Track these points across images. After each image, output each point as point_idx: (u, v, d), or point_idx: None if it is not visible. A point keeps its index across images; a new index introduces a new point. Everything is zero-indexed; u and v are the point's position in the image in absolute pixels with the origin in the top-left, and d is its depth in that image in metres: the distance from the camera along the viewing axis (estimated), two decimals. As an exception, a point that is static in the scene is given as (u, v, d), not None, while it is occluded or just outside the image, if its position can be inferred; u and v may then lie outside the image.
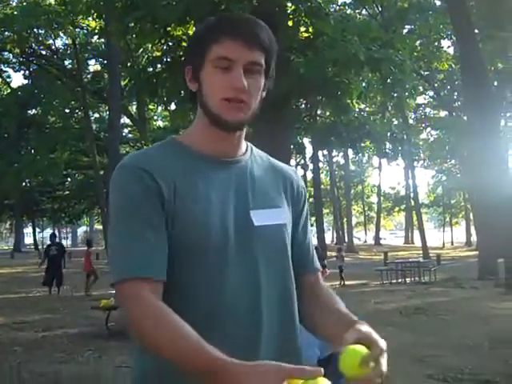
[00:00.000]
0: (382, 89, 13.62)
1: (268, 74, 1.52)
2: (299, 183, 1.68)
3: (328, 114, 19.66)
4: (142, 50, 18.45)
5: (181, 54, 13.17)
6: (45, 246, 20.23)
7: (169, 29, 12.76)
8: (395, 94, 13.26)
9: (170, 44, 13.45)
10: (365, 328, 1.32)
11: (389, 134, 18.67)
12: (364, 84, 13.39)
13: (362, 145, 20.30)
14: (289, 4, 13.00)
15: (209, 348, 1.23)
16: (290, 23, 12.61)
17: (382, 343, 1.29)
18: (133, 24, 12.22)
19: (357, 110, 19.62)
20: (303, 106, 17.02)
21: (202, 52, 1.46)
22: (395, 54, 12.24)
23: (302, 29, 13.47)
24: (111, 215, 1.45)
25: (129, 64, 30.07)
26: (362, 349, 1.26)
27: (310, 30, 13.26)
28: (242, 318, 1.43)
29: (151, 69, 14.76)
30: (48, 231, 75.99)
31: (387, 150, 20.12)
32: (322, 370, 1.17)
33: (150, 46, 15.40)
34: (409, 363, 7.08)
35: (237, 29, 1.44)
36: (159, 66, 14.21)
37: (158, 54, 14.73)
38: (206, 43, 1.45)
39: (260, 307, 1.46)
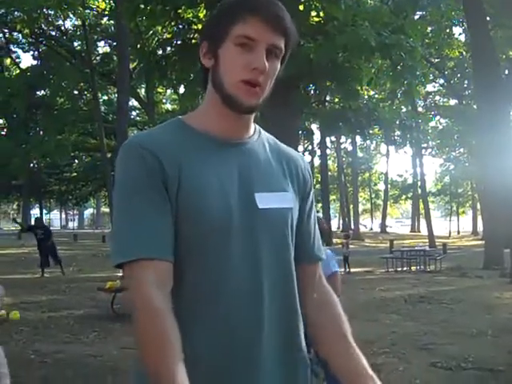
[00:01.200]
0: (391, 75, 13.51)
1: (284, 59, 1.50)
2: (306, 169, 1.66)
3: (337, 99, 19.57)
4: (151, 32, 18.29)
5: (191, 36, 13.10)
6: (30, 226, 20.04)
7: (179, 11, 12.67)
8: (405, 81, 13.13)
9: (181, 26, 13.36)
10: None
11: (398, 121, 18.59)
12: (374, 70, 13.30)
13: (371, 132, 20.20)
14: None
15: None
16: (301, 7, 12.50)
17: None
18: (143, 5, 12.13)
19: (366, 96, 19.55)
20: (312, 91, 16.92)
21: (224, 28, 1.43)
22: (406, 40, 12.14)
23: (313, 13, 13.37)
24: (114, 194, 1.44)
25: (138, 46, 29.93)
26: None
27: (321, 14, 13.15)
28: (244, 298, 1.43)
29: (161, 51, 14.70)
30: (55, 213, 76.49)
31: (396, 137, 20.04)
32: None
33: (159, 28, 15.34)
34: (413, 351, 7.10)
35: (264, 10, 1.41)
36: (169, 48, 14.13)
37: (168, 36, 14.65)
38: (229, 20, 1.43)
39: (261, 290, 1.45)
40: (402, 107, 32.78)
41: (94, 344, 7.68)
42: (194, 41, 12.70)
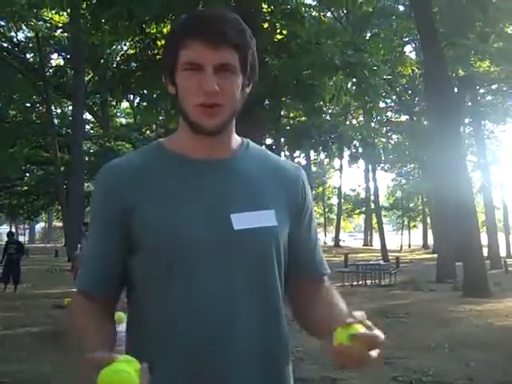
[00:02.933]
0: (354, 93, 13.78)
1: (246, 70, 1.45)
2: (300, 180, 1.60)
3: (300, 117, 19.81)
4: (113, 47, 18.22)
5: (155, 52, 13.06)
6: (3, 243, 19.86)
7: (144, 26, 12.66)
8: (368, 99, 13.42)
9: (145, 42, 13.33)
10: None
11: (359, 137, 18.94)
12: (335, 87, 13.52)
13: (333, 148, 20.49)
14: (265, 6, 13.04)
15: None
16: (266, 25, 12.66)
17: (382, 337, 1.30)
18: (107, 20, 12.06)
19: (329, 112, 19.81)
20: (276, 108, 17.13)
21: (172, 57, 1.43)
22: (369, 58, 12.39)
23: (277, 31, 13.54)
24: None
25: (102, 61, 29.75)
26: (359, 327, 1.27)
27: (284, 32, 13.31)
28: (212, 332, 1.38)
29: (124, 66, 14.63)
30: (4, 227, 74.72)
31: (353, 153, 20.37)
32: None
33: (122, 43, 15.27)
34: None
35: (201, 29, 1.38)
36: (133, 64, 14.08)
37: (132, 51, 14.60)
38: (174, 48, 1.42)
39: (235, 321, 1.39)
40: (354, 121, 33.33)
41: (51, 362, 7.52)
42: (158, 56, 12.66)
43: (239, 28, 1.42)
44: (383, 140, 33.33)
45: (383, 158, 30.83)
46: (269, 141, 27.63)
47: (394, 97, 37.50)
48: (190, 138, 1.48)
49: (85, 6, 12.81)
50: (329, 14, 29.57)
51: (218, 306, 1.39)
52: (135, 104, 20.67)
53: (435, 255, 25.54)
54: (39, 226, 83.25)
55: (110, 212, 1.45)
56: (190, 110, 1.42)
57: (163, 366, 1.37)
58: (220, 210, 1.43)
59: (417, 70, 30.06)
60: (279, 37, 13.47)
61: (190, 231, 1.40)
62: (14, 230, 75.43)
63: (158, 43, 12.94)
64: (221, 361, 1.38)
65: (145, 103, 14.54)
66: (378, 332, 1.29)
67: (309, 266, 1.60)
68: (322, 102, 14.23)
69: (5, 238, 18.28)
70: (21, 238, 76.54)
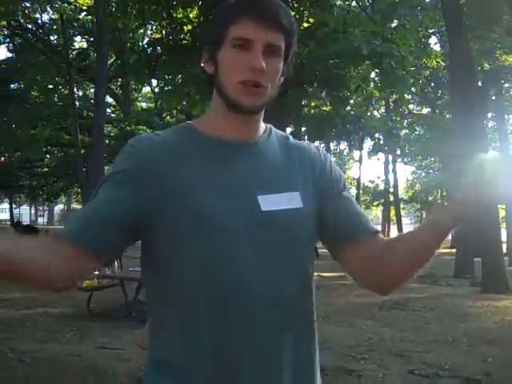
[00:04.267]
0: (381, 84, 13.68)
1: (287, 57, 1.49)
2: (324, 160, 1.62)
3: (316, 104, 19.75)
4: (140, 31, 18.24)
5: (182, 37, 13.04)
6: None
7: (171, 11, 12.64)
8: (394, 90, 13.33)
9: (172, 26, 13.31)
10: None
11: (386, 127, 18.83)
12: (361, 77, 13.44)
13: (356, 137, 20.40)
14: (293, -7, 12.97)
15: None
16: (293, 13, 12.57)
17: None
18: (134, 4, 12.06)
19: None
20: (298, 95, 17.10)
21: (219, 33, 1.43)
22: (397, 49, 12.28)
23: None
24: None
25: (127, 45, 29.82)
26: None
27: (311, 20, 13.23)
28: (253, 305, 1.40)
29: (150, 50, 14.63)
30: (24, 207, 75.54)
31: (376, 144, 20.29)
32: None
33: (148, 27, 15.26)
34: (390, 358, 7.17)
35: (255, 8, 1.40)
36: (159, 48, 14.08)
37: (158, 36, 14.60)
38: (223, 24, 1.43)
39: (278, 294, 1.42)
40: (376, 113, 33.09)
41: (71, 343, 7.60)
42: (184, 41, 12.67)
43: (289, 15, 1.46)
44: (406, 132, 33.14)
45: (406, 150, 30.66)
46: (289, 130, 27.65)
47: (415, 89, 37.28)
48: (223, 118, 1.49)
49: (111, -12, 12.81)
50: (354, 3, 29.39)
51: (261, 280, 1.41)
52: (158, 88, 20.67)
53: (453, 250, 25.34)
54: (58, 208, 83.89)
55: (136, 174, 1.42)
56: (232, 87, 1.43)
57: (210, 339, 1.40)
58: (248, 191, 1.46)
59: (441, 62, 29.79)
60: (306, 25, 13.40)
61: (222, 212, 1.41)
62: (33, 211, 76.33)
63: (185, 28, 12.94)
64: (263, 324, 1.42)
65: (168, 87, 14.52)
66: None
67: (358, 227, 1.58)
68: (347, 92, 14.15)
69: (25, 219, 18.47)
70: (40, 220, 77.42)
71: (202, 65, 1.51)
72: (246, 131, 1.52)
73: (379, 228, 1.74)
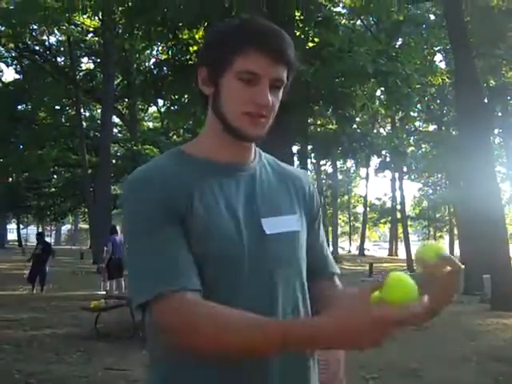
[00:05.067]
0: (387, 102, 13.71)
1: (287, 86, 1.49)
2: (311, 186, 1.66)
3: (322, 123, 19.81)
4: (146, 52, 18.37)
5: (187, 57, 13.12)
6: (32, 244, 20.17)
7: (177, 32, 12.72)
8: (400, 108, 13.36)
9: (178, 47, 13.39)
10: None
11: (392, 145, 18.86)
12: (366, 95, 13.47)
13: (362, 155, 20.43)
14: (298, 14, 13.03)
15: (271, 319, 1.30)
16: (298, 33, 12.65)
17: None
18: (141, 26, 12.15)
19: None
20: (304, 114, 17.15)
21: (224, 60, 1.41)
22: (402, 67, 12.32)
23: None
24: (129, 231, 1.41)
25: (134, 66, 30.05)
26: (443, 247, 1.35)
27: (316, 40, 13.30)
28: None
29: (156, 71, 14.71)
30: (32, 228, 75.70)
31: (382, 161, 20.29)
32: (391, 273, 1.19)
33: (154, 48, 15.38)
34: (400, 377, 7.11)
35: (265, 42, 1.39)
36: (165, 68, 14.14)
37: (164, 56, 14.69)
38: (230, 51, 1.41)
39: (277, 314, 1.45)
40: (382, 130, 33.10)
41: (78, 364, 7.57)
42: (190, 62, 12.75)
43: (292, 47, 1.46)
44: (413, 149, 33.14)
45: (413, 168, 30.68)
46: (295, 148, 27.69)
47: (421, 106, 37.30)
48: (220, 142, 1.50)
49: (118, 11, 12.91)
50: (358, 22, 29.52)
51: (263, 304, 1.42)
52: (164, 108, 20.78)
53: (462, 266, 25.27)
54: (65, 228, 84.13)
55: (172, 222, 1.37)
56: (236, 117, 1.43)
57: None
58: (252, 215, 1.47)
59: (447, 80, 29.85)
60: (311, 44, 13.46)
61: (233, 238, 1.41)
62: (40, 230, 76.45)
63: (191, 49, 13.00)
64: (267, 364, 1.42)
65: (174, 107, 14.58)
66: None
67: (323, 267, 1.66)
68: (353, 111, 14.19)
69: (32, 239, 18.49)
70: (47, 240, 77.56)
71: (200, 84, 1.50)
72: (241, 155, 1.53)
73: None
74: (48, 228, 76.44)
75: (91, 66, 40.81)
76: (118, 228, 15.59)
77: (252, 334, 1.22)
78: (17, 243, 52.88)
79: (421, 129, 39.87)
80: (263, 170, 1.57)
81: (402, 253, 51.71)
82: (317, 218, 1.67)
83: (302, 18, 13.11)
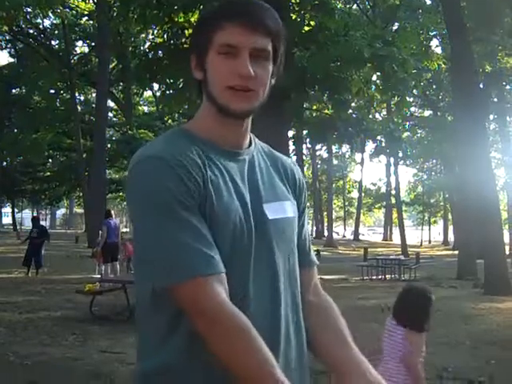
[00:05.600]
0: (383, 87, 13.68)
1: (276, 59, 1.47)
2: (299, 175, 1.68)
3: (318, 108, 19.79)
4: (141, 35, 18.26)
5: (183, 41, 13.06)
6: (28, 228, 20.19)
7: (172, 15, 12.64)
8: (396, 93, 13.32)
9: (173, 30, 13.30)
10: (372, 377, 1.42)
11: (387, 130, 18.85)
12: (362, 80, 13.43)
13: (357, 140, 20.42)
14: (294, -3, 12.99)
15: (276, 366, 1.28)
16: (294, 16, 12.58)
17: None
18: (135, 9, 12.07)
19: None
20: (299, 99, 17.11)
21: (205, 39, 1.42)
22: (399, 52, 12.28)
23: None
24: (143, 210, 1.36)
25: (128, 49, 29.88)
26: None
27: (312, 23, 13.23)
28: (266, 303, 1.44)
29: (152, 55, 14.62)
30: (27, 212, 75.63)
31: (378, 146, 20.30)
32: None
33: (149, 31, 15.28)
34: (393, 360, 7.15)
35: (239, 13, 1.39)
36: (160, 52, 14.05)
37: (160, 40, 14.60)
38: (209, 30, 1.41)
39: (279, 295, 1.47)
40: (377, 115, 33.06)
41: (73, 347, 7.59)
42: (185, 46, 12.68)
43: (275, 17, 1.44)
44: (408, 134, 33.13)
45: (408, 153, 30.71)
46: (291, 133, 27.66)
47: (417, 91, 37.28)
48: (218, 124, 1.48)
49: (114, -7, 12.83)
50: (354, 6, 29.41)
51: (268, 288, 1.46)
52: (159, 92, 20.68)
53: (456, 252, 25.36)
54: (60, 212, 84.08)
55: (195, 205, 1.36)
56: (220, 93, 1.42)
57: None
58: (256, 200, 1.47)
59: (443, 65, 29.81)
60: (307, 28, 13.39)
61: (241, 220, 1.42)
62: (35, 214, 76.41)
63: (186, 32, 12.93)
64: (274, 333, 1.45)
65: (170, 91, 14.51)
66: None
67: (305, 255, 1.66)
68: (349, 95, 14.15)
69: (27, 223, 18.45)
70: (42, 224, 77.54)
71: (192, 71, 1.50)
72: (237, 137, 1.51)
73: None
74: (43, 212, 76.31)
75: (86, 49, 40.67)
76: (112, 212, 15.60)
77: (257, 370, 1.28)
78: (11, 227, 52.82)
79: (416, 114, 39.89)
80: (259, 156, 1.57)
81: (396, 238, 51.93)
82: (304, 208, 1.68)
83: (297, 1, 13.05)
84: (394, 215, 51.92)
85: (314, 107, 21.58)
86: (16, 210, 54.98)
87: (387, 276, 19.29)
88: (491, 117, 32.91)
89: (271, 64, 1.45)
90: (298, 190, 1.64)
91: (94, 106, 34.08)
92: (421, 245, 55.01)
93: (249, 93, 1.41)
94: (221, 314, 1.29)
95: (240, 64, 1.38)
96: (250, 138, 1.58)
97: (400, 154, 31.26)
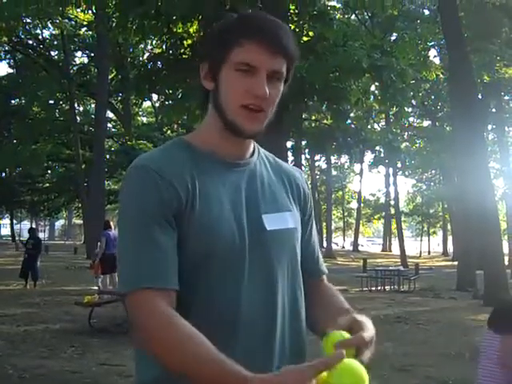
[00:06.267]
0: (381, 97, 13.69)
1: (288, 80, 1.48)
2: (305, 185, 1.66)
3: (317, 118, 19.81)
4: (140, 45, 18.30)
5: (182, 51, 13.08)
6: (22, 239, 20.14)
7: (171, 26, 12.67)
8: (395, 103, 13.33)
9: (172, 41, 13.32)
10: (360, 317, 1.33)
11: (386, 140, 18.87)
12: (361, 90, 13.46)
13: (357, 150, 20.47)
14: (292, 7, 12.99)
15: (230, 361, 1.21)
16: (292, 26, 12.62)
17: (369, 334, 1.29)
18: (135, 20, 12.09)
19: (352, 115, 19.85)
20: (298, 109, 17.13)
21: (222, 52, 1.41)
22: (397, 62, 12.31)
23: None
24: (121, 219, 1.40)
25: (127, 60, 29.93)
26: (343, 334, 1.27)
27: (311, 34, 13.27)
28: (258, 325, 1.41)
29: (151, 65, 14.63)
30: (25, 223, 75.59)
31: (377, 156, 20.33)
32: (344, 352, 1.15)
33: (148, 42, 15.32)
34: (393, 372, 7.12)
35: (261, 33, 1.38)
36: (159, 62, 14.07)
37: (158, 50, 14.62)
38: (227, 44, 1.40)
39: (275, 312, 1.45)
40: (376, 126, 33.10)
41: (72, 359, 7.56)
42: (184, 56, 12.70)
43: (291, 39, 1.45)
44: (407, 145, 33.18)
45: (407, 163, 30.77)
46: (289, 143, 27.67)
47: (415, 102, 37.37)
48: (220, 137, 1.48)
49: (112, 4, 12.85)
50: (353, 17, 29.49)
51: (263, 300, 1.44)
52: (158, 103, 20.73)
53: (455, 263, 25.33)
54: (59, 223, 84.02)
55: (167, 215, 1.36)
56: (233, 110, 1.41)
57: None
58: (253, 211, 1.46)
59: (441, 75, 29.88)
60: (306, 38, 13.42)
61: (232, 231, 1.41)
62: (34, 226, 76.38)
63: (185, 43, 12.96)
64: (268, 353, 1.44)
65: (169, 102, 14.51)
66: (364, 332, 1.28)
67: (313, 265, 1.66)
68: (347, 106, 14.18)
69: (26, 235, 18.35)
70: (41, 235, 77.43)
71: (202, 80, 1.49)
72: (241, 151, 1.52)
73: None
74: (42, 223, 76.30)
75: (85, 60, 40.77)
76: (111, 223, 15.56)
77: (213, 370, 1.22)
78: (10, 238, 52.74)
79: (415, 124, 39.95)
80: (262, 166, 1.57)
81: (395, 248, 51.86)
82: (310, 217, 1.67)
83: (296, 11, 13.08)
84: (393, 226, 51.88)
85: (313, 117, 21.63)
86: (15, 221, 54.93)
87: (386, 287, 19.24)
88: (490, 127, 33.00)
89: (282, 85, 1.46)
90: (302, 200, 1.63)
91: (93, 116, 34.10)
92: (420, 256, 54.93)
93: (260, 113, 1.42)
94: (159, 326, 1.28)
95: (257, 84, 1.38)
96: (254, 147, 1.58)
97: (399, 165, 31.34)
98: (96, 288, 14.22)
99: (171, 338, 1.26)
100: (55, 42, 37.66)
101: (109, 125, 41.66)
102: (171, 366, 1.28)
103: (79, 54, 41.33)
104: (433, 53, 34.09)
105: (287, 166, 1.68)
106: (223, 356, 1.22)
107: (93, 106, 37.86)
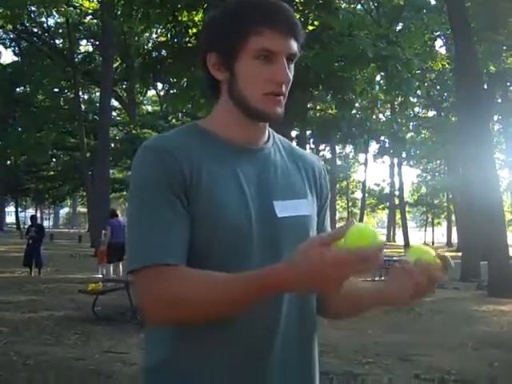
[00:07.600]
0: (387, 87, 13.64)
1: (295, 60, 1.48)
2: (322, 172, 1.65)
3: (321, 108, 19.77)
4: (145, 34, 18.24)
5: (187, 40, 13.04)
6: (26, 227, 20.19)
7: (176, 14, 12.63)
8: (400, 93, 13.29)
9: (177, 29, 13.28)
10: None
11: (391, 131, 18.82)
12: (366, 80, 13.41)
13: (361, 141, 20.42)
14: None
15: (254, 271, 1.25)
16: (298, 16, 12.58)
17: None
18: (139, 8, 12.07)
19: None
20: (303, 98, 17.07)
21: (238, 41, 1.39)
22: (403, 52, 12.26)
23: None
24: (130, 197, 1.41)
25: (131, 48, 29.89)
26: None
27: (316, 23, 13.23)
28: (261, 315, 1.39)
29: (155, 54, 14.60)
30: (30, 211, 75.86)
31: (382, 147, 20.29)
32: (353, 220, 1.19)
33: (153, 31, 15.28)
34: (396, 362, 7.13)
35: (277, 18, 1.38)
36: (164, 51, 14.03)
37: (163, 39, 14.58)
38: (243, 32, 1.38)
39: (281, 303, 1.42)
40: (381, 116, 33.00)
41: (76, 346, 7.59)
42: (189, 44, 12.67)
43: (297, 18, 1.45)
44: (412, 135, 33.07)
45: (412, 153, 30.67)
46: (294, 133, 27.61)
47: (421, 92, 37.23)
48: (236, 124, 1.47)
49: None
50: (359, 6, 29.36)
51: None
52: (163, 92, 20.69)
53: (459, 253, 25.27)
54: (64, 211, 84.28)
55: (175, 191, 1.36)
56: (257, 99, 1.41)
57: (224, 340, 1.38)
58: (264, 196, 1.45)
59: (447, 65, 29.74)
60: (311, 27, 13.36)
61: (240, 217, 1.40)
62: (38, 214, 76.68)
63: (190, 31, 12.91)
64: (271, 336, 1.43)
65: (174, 90, 14.49)
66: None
67: None
68: (352, 95, 14.12)
69: (29, 222, 18.40)
70: (45, 223, 77.66)
71: (210, 70, 1.46)
72: (256, 136, 1.51)
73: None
74: (46, 211, 76.55)
75: (90, 48, 40.73)
76: (117, 212, 15.58)
77: (234, 290, 1.25)
78: (15, 226, 52.93)
79: (420, 115, 39.82)
80: (277, 152, 1.55)
81: (399, 239, 51.87)
82: (325, 205, 1.66)
83: (301, 0, 13.03)
84: (398, 216, 51.85)
85: (318, 107, 21.56)
86: (19, 209, 55.09)
87: (390, 277, 19.23)
88: (495, 118, 32.83)
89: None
90: (319, 187, 1.62)
91: (97, 104, 34.06)
92: (424, 246, 54.91)
93: (281, 97, 1.43)
94: (175, 282, 1.29)
95: (279, 70, 1.39)
96: (269, 132, 1.57)
97: (404, 155, 31.23)
98: (100, 276, 14.28)
99: (192, 284, 1.29)
100: (60, 30, 37.62)
101: (113, 113, 41.66)
102: (203, 310, 1.29)
103: (84, 42, 41.32)
104: (439, 43, 34.10)
105: (304, 152, 1.66)
106: (246, 272, 1.26)
107: (97, 94, 37.82)
